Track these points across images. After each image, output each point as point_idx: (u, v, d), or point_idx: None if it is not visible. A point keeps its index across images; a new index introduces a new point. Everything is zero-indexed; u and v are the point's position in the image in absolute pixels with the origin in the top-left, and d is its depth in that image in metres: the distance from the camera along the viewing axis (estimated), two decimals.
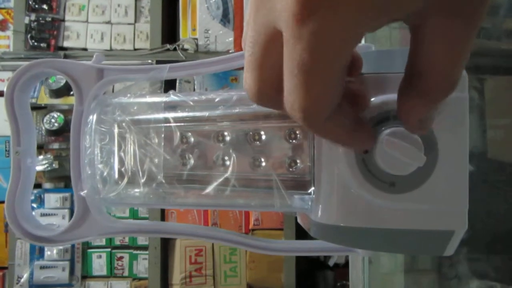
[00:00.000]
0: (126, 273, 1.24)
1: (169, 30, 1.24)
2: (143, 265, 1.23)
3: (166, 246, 1.22)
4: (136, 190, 0.34)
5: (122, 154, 0.34)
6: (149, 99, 0.34)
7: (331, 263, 1.28)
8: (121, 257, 1.25)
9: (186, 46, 1.17)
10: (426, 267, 0.72)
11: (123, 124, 0.33)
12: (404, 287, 0.72)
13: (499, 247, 0.61)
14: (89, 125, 0.34)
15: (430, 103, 0.21)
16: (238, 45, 1.15)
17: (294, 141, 0.32)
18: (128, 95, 0.34)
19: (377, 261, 0.72)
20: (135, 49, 1.24)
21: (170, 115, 0.33)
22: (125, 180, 0.35)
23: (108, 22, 1.24)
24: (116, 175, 0.34)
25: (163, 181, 0.34)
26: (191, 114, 0.32)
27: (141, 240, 1.24)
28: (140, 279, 1.24)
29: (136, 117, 0.34)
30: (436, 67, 0.20)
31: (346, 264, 1.25)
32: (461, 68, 0.20)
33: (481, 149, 0.62)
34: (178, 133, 0.33)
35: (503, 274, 0.62)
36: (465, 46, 0.19)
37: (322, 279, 1.30)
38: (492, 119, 0.61)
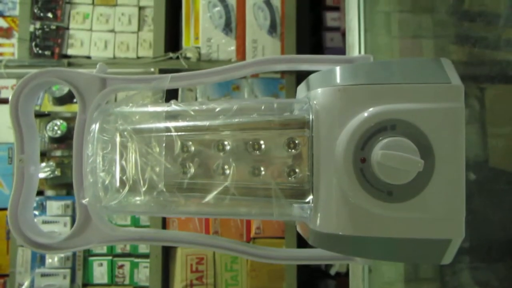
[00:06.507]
0: (127, 281, 1.24)
1: (172, 38, 1.25)
2: (144, 273, 1.23)
3: (167, 254, 1.22)
4: (138, 198, 0.34)
5: (123, 162, 0.34)
6: (151, 109, 0.34)
7: (332, 272, 1.27)
8: (122, 265, 1.24)
9: (188, 55, 1.18)
10: (428, 276, 0.72)
11: (125, 133, 0.34)
12: None
13: (501, 255, 0.61)
14: (91, 134, 0.34)
15: None
16: (240, 54, 1.16)
17: (293, 150, 0.32)
18: (130, 104, 0.34)
19: (378, 270, 0.72)
20: (138, 58, 1.25)
21: (171, 124, 0.33)
22: (127, 188, 0.35)
23: (112, 31, 1.26)
24: (118, 183, 0.35)
25: (164, 189, 0.34)
26: (192, 123, 0.33)
27: (142, 248, 1.24)
28: (141, 287, 1.24)
29: (138, 126, 0.34)
30: None
31: (347, 273, 1.24)
32: None
33: (482, 157, 0.62)
34: (179, 142, 0.33)
35: (504, 283, 0.61)
36: None
37: None
38: (493, 127, 0.61)
